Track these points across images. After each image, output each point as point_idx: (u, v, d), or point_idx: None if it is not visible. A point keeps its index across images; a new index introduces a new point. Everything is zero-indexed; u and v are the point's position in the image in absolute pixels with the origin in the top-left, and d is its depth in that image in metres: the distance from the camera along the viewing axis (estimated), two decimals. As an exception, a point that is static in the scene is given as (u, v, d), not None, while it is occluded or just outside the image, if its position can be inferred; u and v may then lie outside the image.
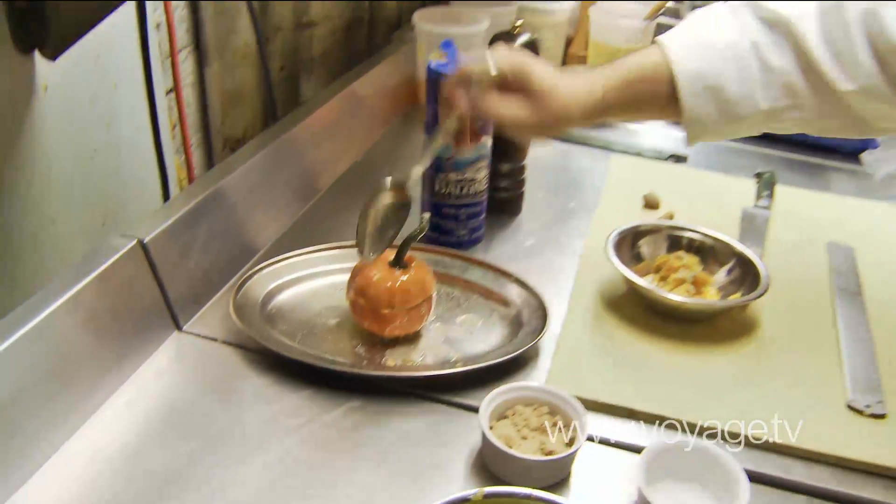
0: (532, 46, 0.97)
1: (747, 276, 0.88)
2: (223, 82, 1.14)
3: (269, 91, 1.22)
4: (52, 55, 0.79)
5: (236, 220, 0.91)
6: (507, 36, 0.97)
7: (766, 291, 0.84)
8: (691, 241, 0.93)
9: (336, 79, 1.24)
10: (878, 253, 1.02)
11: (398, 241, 0.80)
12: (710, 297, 0.87)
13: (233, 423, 0.69)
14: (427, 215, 0.80)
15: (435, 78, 0.88)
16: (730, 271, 0.90)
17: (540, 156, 1.15)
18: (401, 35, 1.48)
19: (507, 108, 0.76)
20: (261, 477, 0.64)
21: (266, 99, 1.23)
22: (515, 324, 0.82)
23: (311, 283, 0.87)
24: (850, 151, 1.35)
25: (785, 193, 1.16)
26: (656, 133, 1.37)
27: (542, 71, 0.76)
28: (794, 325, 0.87)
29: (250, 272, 0.85)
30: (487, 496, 0.53)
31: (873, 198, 1.19)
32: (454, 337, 0.81)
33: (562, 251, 0.99)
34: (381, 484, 0.65)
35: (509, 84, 0.76)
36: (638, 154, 1.27)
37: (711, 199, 1.12)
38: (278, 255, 0.88)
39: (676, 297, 0.83)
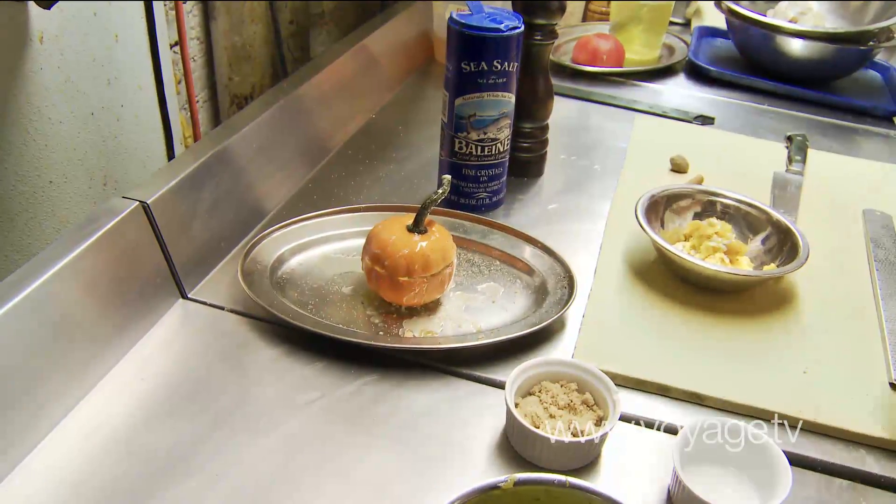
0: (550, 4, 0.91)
1: (784, 245, 0.83)
2: (230, 37, 1.09)
3: (279, 46, 1.16)
4: (47, 3, 0.74)
5: (244, 182, 0.86)
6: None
7: (803, 263, 0.80)
8: (725, 207, 0.88)
9: (348, 34, 1.19)
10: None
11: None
12: (745, 267, 0.82)
13: (241, 398, 0.65)
14: (447, 177, 0.76)
15: (458, 30, 0.83)
16: (765, 240, 0.85)
17: (561, 116, 1.10)
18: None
19: None
20: (270, 456, 0.60)
21: (275, 55, 1.18)
22: (540, 293, 0.78)
23: (324, 247, 0.83)
24: (883, 114, 1.29)
25: (817, 157, 1.11)
26: (681, 93, 1.31)
27: None
28: (831, 297, 0.82)
29: (259, 236, 0.80)
30: (518, 483, 0.48)
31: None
32: (475, 306, 0.77)
33: (586, 216, 0.94)
34: (400, 464, 0.61)
35: None
36: (663, 114, 1.22)
37: (741, 163, 1.07)
38: (288, 219, 0.83)
39: (713, 266, 0.78)
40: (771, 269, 0.81)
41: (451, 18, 0.84)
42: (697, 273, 0.79)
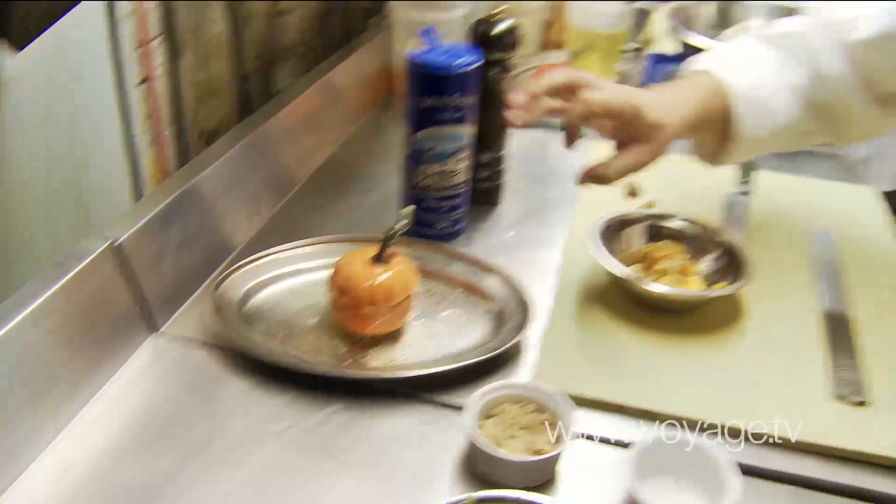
0: (512, 33, 0.95)
1: (733, 264, 0.88)
2: (197, 73, 1.11)
3: (244, 82, 1.19)
4: (17, 46, 0.76)
5: (212, 217, 0.89)
6: (487, 22, 0.95)
7: (747, 282, 0.84)
8: (676, 229, 0.92)
9: (312, 68, 1.22)
10: (856, 237, 1.03)
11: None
12: (696, 286, 0.86)
13: (212, 432, 0.67)
14: (409, 209, 0.79)
15: (415, 68, 0.86)
16: (716, 259, 0.89)
17: (518, 145, 1.14)
18: (377, 22, 1.45)
19: (629, 158, 0.80)
20: (242, 487, 0.62)
21: (241, 90, 1.20)
22: (500, 318, 0.81)
23: (290, 280, 0.85)
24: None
25: (765, 178, 1.15)
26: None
27: (648, 100, 0.79)
28: (778, 313, 0.86)
29: (227, 271, 0.83)
30: (478, 501, 0.51)
31: (851, 181, 1.19)
32: (438, 333, 0.80)
33: (544, 242, 0.97)
34: (367, 490, 0.63)
35: (615, 118, 0.80)
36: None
37: (693, 186, 1.11)
38: (256, 252, 0.86)
39: (659, 288, 0.82)
40: (720, 287, 0.85)
41: (408, 55, 0.87)
42: (647, 296, 0.83)
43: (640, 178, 1.08)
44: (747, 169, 1.15)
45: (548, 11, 1.53)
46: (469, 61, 0.87)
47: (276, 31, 1.27)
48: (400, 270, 0.76)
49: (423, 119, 0.88)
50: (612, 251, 0.88)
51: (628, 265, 0.87)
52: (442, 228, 0.94)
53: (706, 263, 0.90)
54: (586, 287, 0.88)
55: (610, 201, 1.05)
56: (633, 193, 1.07)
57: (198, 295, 0.83)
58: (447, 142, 0.89)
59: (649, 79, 1.45)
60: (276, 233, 0.95)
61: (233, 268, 0.83)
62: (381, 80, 1.33)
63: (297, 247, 0.88)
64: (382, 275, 0.75)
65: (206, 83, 1.13)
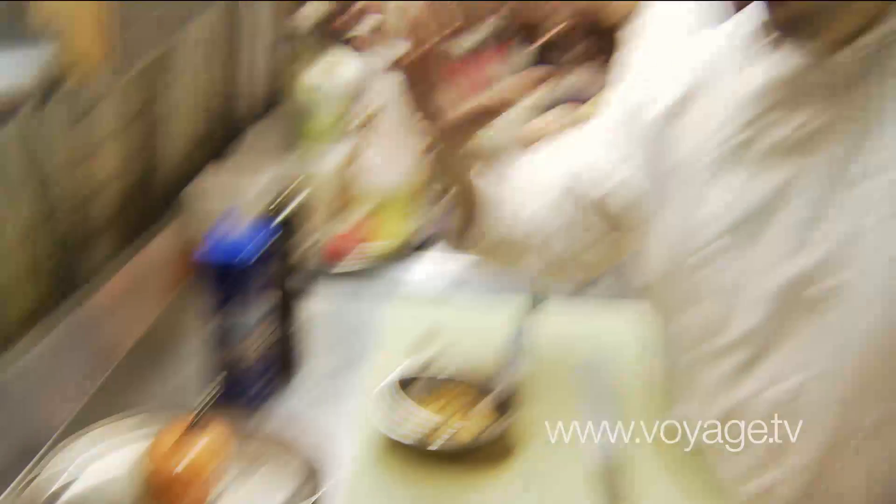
0: (306, 205, 1.06)
1: (513, 400, 1.00)
2: (6, 262, 1.13)
3: (55, 267, 1.22)
4: None
5: (30, 406, 0.93)
6: (280, 199, 1.05)
7: (511, 421, 0.97)
8: (463, 371, 1.05)
9: (122, 247, 1.27)
10: (625, 359, 1.17)
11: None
12: (482, 425, 0.97)
13: None
14: (218, 379, 0.86)
15: (206, 262, 0.96)
16: (496, 397, 1.01)
17: (323, 306, 1.25)
18: (181, 201, 1.51)
19: None
20: None
21: (52, 274, 1.23)
22: (309, 473, 0.88)
23: (108, 460, 0.89)
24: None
25: (552, 308, 1.26)
26: (437, 265, 1.48)
27: None
28: (552, 445, 0.98)
29: (42, 463, 0.86)
30: None
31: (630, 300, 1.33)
32: (250, 493, 0.86)
33: (348, 395, 1.07)
34: None
35: None
36: (417, 292, 1.39)
37: (484, 327, 1.23)
38: (71, 436, 0.90)
39: (430, 444, 0.94)
40: (495, 426, 0.97)
41: (199, 249, 0.96)
42: (424, 450, 0.94)
43: (435, 326, 1.20)
44: (534, 301, 1.28)
45: (341, 176, 1.62)
46: (259, 245, 0.97)
47: (84, 214, 1.32)
48: (210, 442, 0.83)
49: (220, 302, 0.97)
50: (414, 395, 1.00)
51: (425, 407, 0.99)
52: (251, 395, 1.01)
53: (489, 401, 1.01)
54: (388, 437, 0.97)
55: (406, 353, 1.14)
56: (427, 342, 1.18)
57: (10, 489, 0.86)
58: (246, 317, 0.98)
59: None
60: (93, 415, 0.98)
61: (47, 459, 0.86)
62: (190, 254, 1.40)
63: (113, 422, 0.92)
64: (192, 450, 0.81)
65: (16, 271, 1.15)
